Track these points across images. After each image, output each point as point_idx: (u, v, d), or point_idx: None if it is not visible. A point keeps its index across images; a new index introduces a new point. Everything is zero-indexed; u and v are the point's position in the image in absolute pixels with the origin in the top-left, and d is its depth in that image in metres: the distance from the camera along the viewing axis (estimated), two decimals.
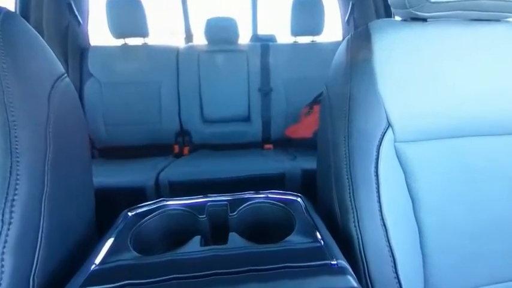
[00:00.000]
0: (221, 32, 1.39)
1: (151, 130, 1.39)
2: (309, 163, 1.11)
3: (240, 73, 1.40)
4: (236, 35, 1.42)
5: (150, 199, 0.53)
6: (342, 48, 0.47)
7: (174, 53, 1.40)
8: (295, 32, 1.41)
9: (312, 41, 1.45)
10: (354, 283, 0.32)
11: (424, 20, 0.44)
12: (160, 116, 1.38)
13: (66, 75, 0.44)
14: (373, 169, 0.41)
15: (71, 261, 0.40)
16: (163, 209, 0.50)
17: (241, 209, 0.49)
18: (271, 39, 1.59)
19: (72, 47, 1.29)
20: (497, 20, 0.46)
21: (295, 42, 1.46)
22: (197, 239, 0.41)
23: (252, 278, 0.33)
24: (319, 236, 0.41)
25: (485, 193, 0.45)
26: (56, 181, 0.37)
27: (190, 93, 1.39)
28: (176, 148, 1.39)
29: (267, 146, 1.41)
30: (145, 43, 1.41)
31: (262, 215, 0.51)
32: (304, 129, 1.29)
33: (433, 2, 0.39)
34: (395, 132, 0.42)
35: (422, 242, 0.43)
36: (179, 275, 0.33)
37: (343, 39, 0.48)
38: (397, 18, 0.49)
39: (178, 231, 0.48)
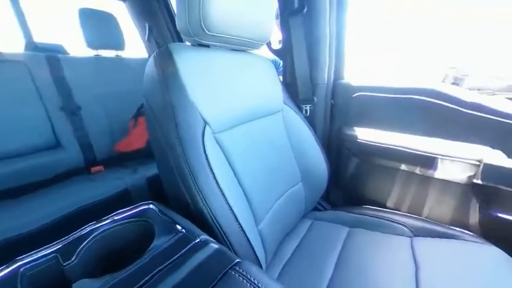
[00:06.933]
0: None
1: None
2: (151, 170, 1.14)
3: (25, 90, 1.10)
4: None
5: None
6: (151, 63, 0.52)
7: None
8: (94, 46, 1.30)
9: (117, 55, 1.40)
10: (216, 246, 0.38)
11: (207, 46, 0.57)
12: None
13: None
14: (204, 156, 0.48)
15: None
16: None
17: (80, 250, 0.41)
18: (58, 49, 1.33)
19: None
20: (244, 51, 0.66)
21: (97, 55, 1.35)
22: None
23: None
24: (179, 227, 0.44)
25: (265, 153, 0.65)
26: None
27: None
28: None
29: (95, 168, 1.24)
30: None
31: (113, 241, 0.46)
32: (136, 140, 1.28)
33: (210, 35, 0.51)
34: (211, 126, 0.51)
35: (245, 193, 0.58)
36: None
37: (149, 55, 0.53)
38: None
39: None
